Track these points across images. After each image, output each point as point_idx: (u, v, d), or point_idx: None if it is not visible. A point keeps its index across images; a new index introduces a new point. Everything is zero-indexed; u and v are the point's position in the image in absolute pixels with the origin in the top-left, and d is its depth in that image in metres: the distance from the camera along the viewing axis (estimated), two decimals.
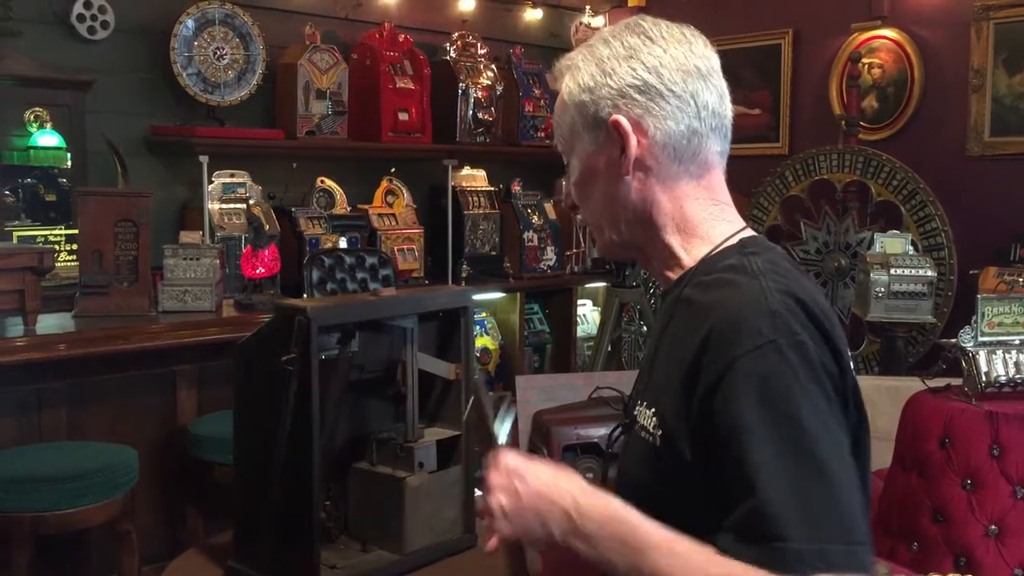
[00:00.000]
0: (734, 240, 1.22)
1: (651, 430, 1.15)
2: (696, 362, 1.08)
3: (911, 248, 4.30)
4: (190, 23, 4.33)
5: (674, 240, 1.23)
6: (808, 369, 1.03)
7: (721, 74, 1.25)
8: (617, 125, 1.20)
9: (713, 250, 1.21)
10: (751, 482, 1.00)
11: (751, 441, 1.01)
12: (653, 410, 1.15)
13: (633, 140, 1.19)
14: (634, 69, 1.19)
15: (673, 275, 1.23)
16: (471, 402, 1.72)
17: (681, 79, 1.20)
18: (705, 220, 1.23)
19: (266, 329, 1.71)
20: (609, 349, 5.02)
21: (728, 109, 1.25)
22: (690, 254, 1.22)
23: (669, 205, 1.22)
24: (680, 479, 1.09)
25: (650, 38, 1.21)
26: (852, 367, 1.12)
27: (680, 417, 1.09)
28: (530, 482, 1.13)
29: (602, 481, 1.84)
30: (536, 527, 1.11)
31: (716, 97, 1.22)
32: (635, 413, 1.21)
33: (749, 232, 1.25)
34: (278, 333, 1.65)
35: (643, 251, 1.27)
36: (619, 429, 1.31)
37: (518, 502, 1.13)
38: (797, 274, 1.16)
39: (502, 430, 1.29)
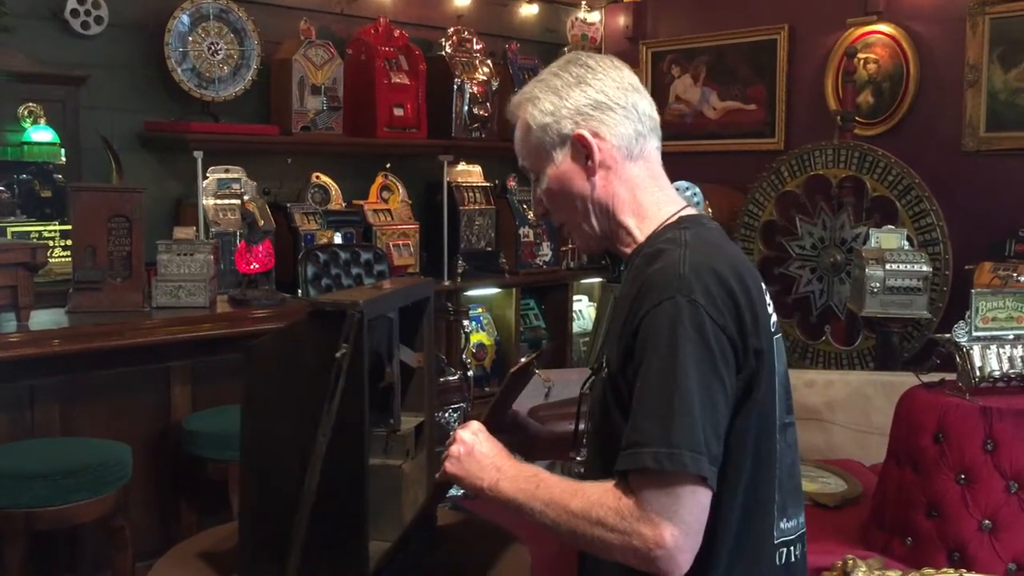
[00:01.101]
0: (674, 218, 1.51)
1: (603, 370, 1.47)
2: (630, 313, 1.39)
3: (906, 243, 4.29)
4: (184, 18, 4.33)
5: (630, 222, 1.53)
6: (694, 321, 1.32)
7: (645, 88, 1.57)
8: (581, 138, 1.49)
9: (658, 227, 1.51)
10: (635, 404, 1.33)
11: (642, 373, 1.33)
12: (605, 354, 1.48)
13: (596, 146, 1.49)
14: (585, 92, 1.50)
15: (629, 250, 1.53)
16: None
17: (622, 94, 1.50)
18: (653, 204, 1.53)
19: (299, 326, 1.68)
20: None
21: (656, 113, 1.56)
22: (642, 231, 1.52)
23: (626, 194, 1.52)
24: (623, 408, 1.38)
25: (591, 67, 1.52)
26: (769, 322, 1.44)
27: (619, 358, 1.40)
28: (483, 447, 1.49)
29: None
30: (476, 473, 1.46)
31: (648, 105, 1.54)
32: (602, 360, 1.51)
33: (687, 211, 1.54)
34: (315, 329, 1.62)
35: (609, 237, 1.55)
36: (591, 375, 1.60)
37: (470, 453, 1.48)
38: (721, 246, 1.47)
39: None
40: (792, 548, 1.48)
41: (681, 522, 1.28)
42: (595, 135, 1.49)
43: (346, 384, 1.57)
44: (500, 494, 1.43)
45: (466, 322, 5.14)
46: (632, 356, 1.36)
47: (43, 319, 3.30)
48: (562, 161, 1.52)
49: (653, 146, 1.54)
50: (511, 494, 1.42)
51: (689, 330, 1.31)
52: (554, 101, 1.50)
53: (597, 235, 1.55)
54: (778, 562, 1.46)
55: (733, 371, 1.35)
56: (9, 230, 3.94)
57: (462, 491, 2.80)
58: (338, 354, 1.57)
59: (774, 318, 1.47)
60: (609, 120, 1.49)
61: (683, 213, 1.52)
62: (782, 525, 1.46)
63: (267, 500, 1.66)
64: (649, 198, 1.52)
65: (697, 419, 1.29)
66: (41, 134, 4.08)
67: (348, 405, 1.58)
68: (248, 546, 1.69)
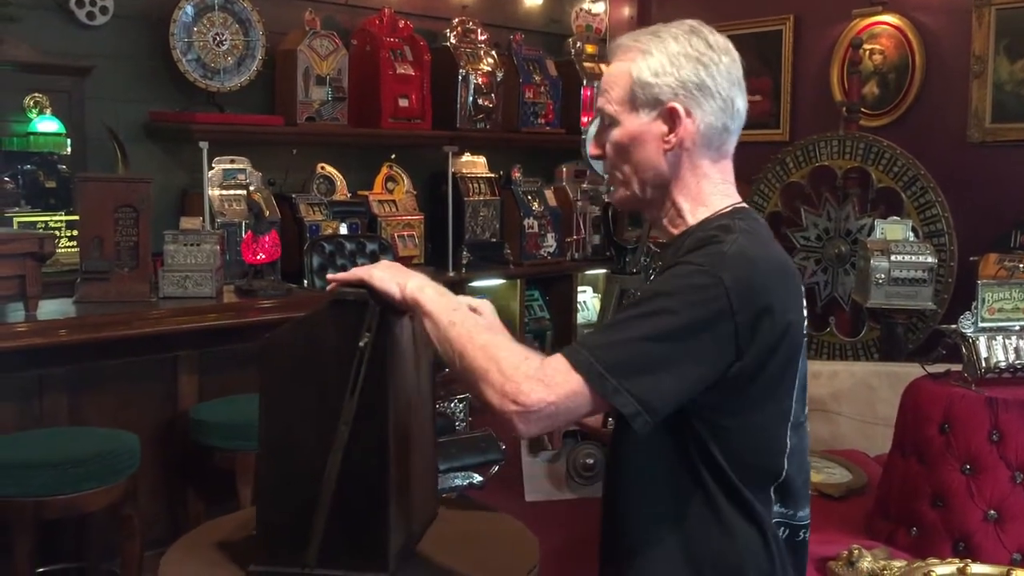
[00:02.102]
0: (728, 208, 1.52)
1: None
2: (668, 265, 1.44)
3: (911, 234, 4.30)
4: (189, 9, 4.32)
5: (685, 205, 1.53)
6: (709, 299, 1.35)
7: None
8: (674, 111, 1.48)
9: (712, 215, 1.51)
10: (620, 319, 1.39)
11: (635, 304, 1.39)
12: None
13: (683, 125, 1.48)
14: (697, 70, 1.48)
15: (676, 231, 1.54)
16: None
17: (728, 86, 1.50)
18: (712, 194, 1.53)
19: (318, 316, 1.68)
20: None
21: (746, 109, 1.55)
22: (694, 216, 1.52)
23: (691, 179, 1.52)
24: None
25: (711, 46, 1.51)
26: (802, 326, 1.47)
27: None
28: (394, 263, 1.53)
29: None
30: (400, 275, 1.48)
31: (743, 103, 1.54)
32: None
33: (743, 204, 1.55)
34: (335, 318, 1.62)
35: (655, 207, 1.56)
36: None
37: (384, 266, 1.51)
38: (768, 241, 1.50)
39: None
40: (804, 532, 1.54)
41: (557, 408, 1.32)
42: (688, 114, 1.48)
43: (368, 373, 1.58)
44: (420, 298, 1.45)
45: None
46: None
47: (51, 309, 3.31)
48: (645, 122, 1.50)
49: (733, 143, 1.55)
50: (429, 304, 1.44)
51: (699, 303, 1.34)
52: (664, 64, 1.48)
53: (638, 198, 1.55)
54: (797, 538, 1.52)
55: (729, 357, 1.37)
56: (15, 220, 3.95)
57: (467, 481, 2.81)
58: (361, 343, 1.57)
59: (806, 322, 1.51)
60: (707, 106, 1.48)
61: (737, 205, 1.54)
62: (799, 513, 1.52)
63: (286, 490, 1.66)
64: (711, 188, 1.53)
65: (655, 372, 1.33)
66: (47, 124, 4.08)
67: (370, 394, 1.59)
68: (266, 536, 1.69)
